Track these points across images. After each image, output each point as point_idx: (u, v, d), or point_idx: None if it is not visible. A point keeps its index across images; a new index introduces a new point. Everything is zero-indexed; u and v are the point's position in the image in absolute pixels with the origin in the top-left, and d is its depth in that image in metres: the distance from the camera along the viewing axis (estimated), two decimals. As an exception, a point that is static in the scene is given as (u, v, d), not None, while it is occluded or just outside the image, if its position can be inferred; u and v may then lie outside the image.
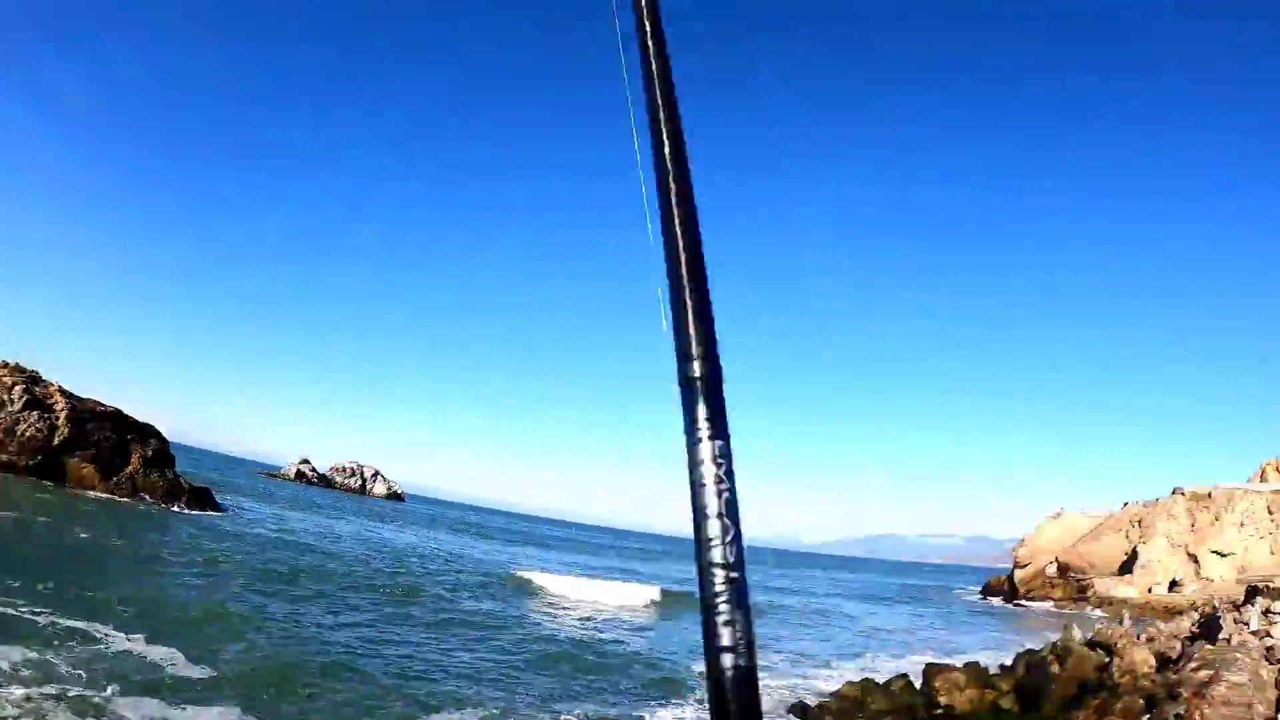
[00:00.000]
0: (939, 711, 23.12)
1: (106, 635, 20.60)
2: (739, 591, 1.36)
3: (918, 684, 24.43)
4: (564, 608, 43.57)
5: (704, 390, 1.51)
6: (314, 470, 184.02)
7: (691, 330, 1.55)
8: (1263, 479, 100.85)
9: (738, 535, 1.40)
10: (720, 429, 1.48)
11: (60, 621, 20.61)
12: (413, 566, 51.01)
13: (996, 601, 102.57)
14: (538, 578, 54.44)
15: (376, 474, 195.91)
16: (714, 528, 1.39)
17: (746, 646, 1.33)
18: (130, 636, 20.89)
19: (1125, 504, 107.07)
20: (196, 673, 19.24)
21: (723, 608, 1.34)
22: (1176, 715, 16.12)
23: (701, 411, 1.48)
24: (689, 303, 1.57)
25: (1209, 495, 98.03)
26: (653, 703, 23.97)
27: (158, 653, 20.03)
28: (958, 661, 26.76)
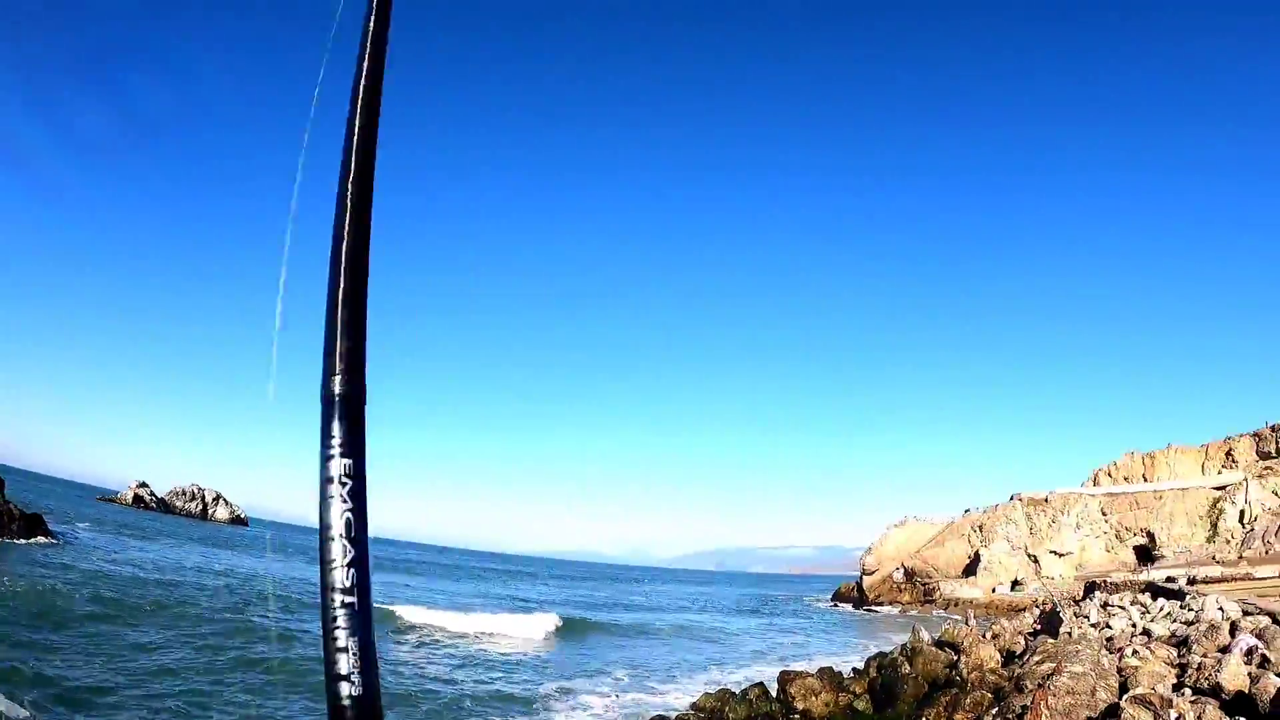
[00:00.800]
0: (796, 717, 23.74)
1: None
2: (358, 616, 1.33)
3: (774, 691, 24.98)
4: (441, 644, 40.18)
5: (343, 408, 1.48)
6: (152, 494, 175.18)
7: (339, 346, 1.52)
8: (1095, 483, 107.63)
9: (360, 558, 1.37)
10: (355, 447, 1.45)
11: None
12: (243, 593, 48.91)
13: (847, 608, 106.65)
14: (405, 610, 47.61)
15: (219, 497, 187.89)
16: (335, 549, 1.35)
17: (365, 673, 1.30)
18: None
19: (966, 511, 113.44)
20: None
21: (339, 634, 1.32)
22: (1023, 706, 16.94)
23: (337, 428, 1.46)
24: (340, 319, 1.55)
25: (1045, 500, 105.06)
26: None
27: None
28: (812, 667, 27.50)
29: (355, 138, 1.75)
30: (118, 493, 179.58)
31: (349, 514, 1.37)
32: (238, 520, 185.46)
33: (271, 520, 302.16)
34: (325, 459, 1.42)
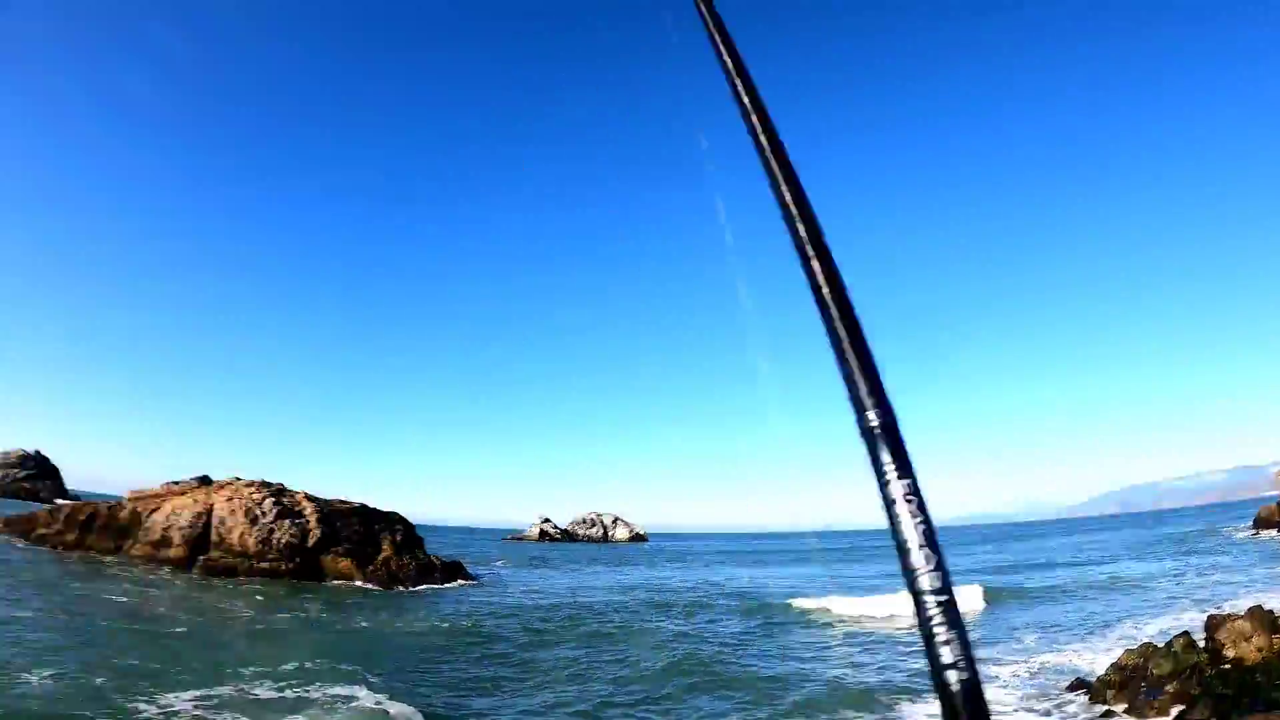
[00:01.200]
0: (1226, 666, 21.30)
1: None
2: (951, 611, 1.53)
3: (1200, 640, 22.68)
4: (846, 628, 40.01)
5: (884, 437, 1.70)
6: (555, 527, 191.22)
7: (861, 384, 1.75)
8: None
9: (940, 561, 1.58)
10: (905, 468, 1.68)
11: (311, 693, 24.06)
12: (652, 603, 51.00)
13: (1272, 534, 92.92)
14: (819, 603, 48.25)
15: (616, 520, 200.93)
16: (918, 558, 1.58)
17: (967, 661, 1.50)
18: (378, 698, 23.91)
19: None
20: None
21: (938, 629, 1.53)
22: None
23: (885, 456, 1.67)
24: (853, 359, 1.75)
25: None
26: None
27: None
28: (1240, 607, 24.69)
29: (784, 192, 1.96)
30: (524, 530, 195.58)
31: (922, 525, 1.61)
32: (637, 538, 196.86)
33: (665, 533, 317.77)
34: (883, 485, 1.67)
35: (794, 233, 2.00)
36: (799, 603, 49.19)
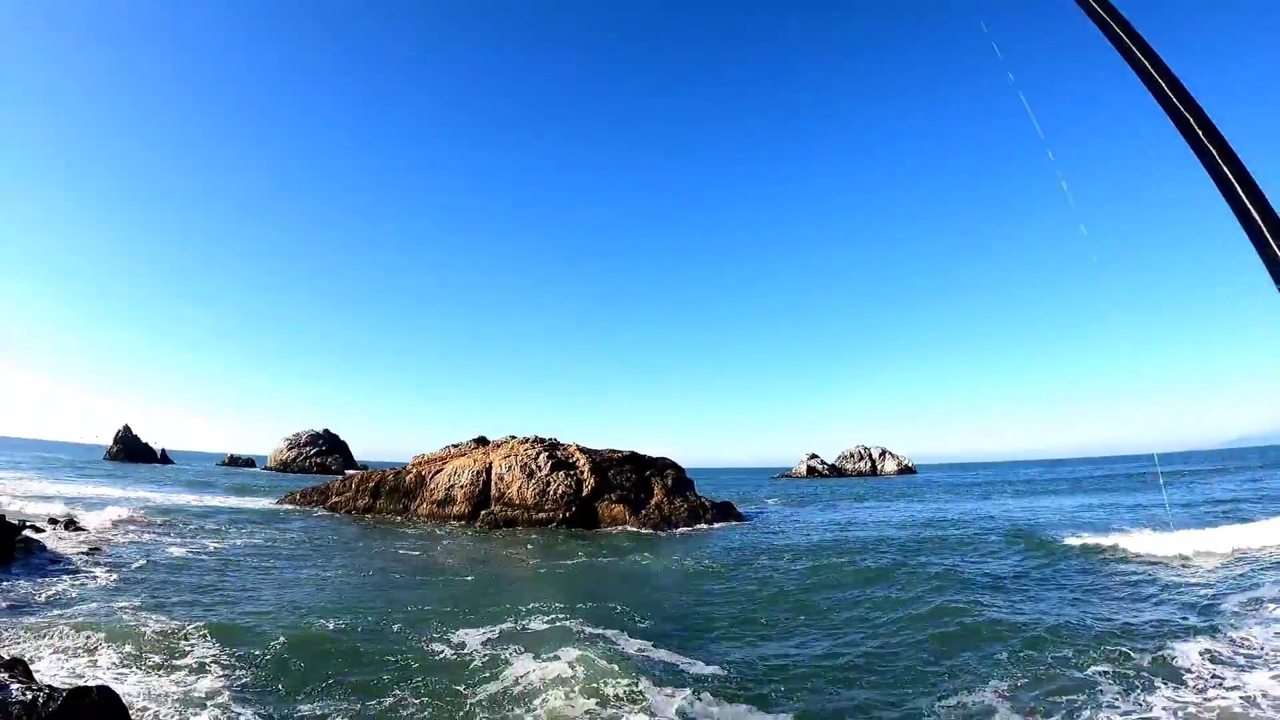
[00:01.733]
0: None
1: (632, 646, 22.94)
2: None
3: None
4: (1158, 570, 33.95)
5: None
6: (823, 463, 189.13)
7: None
8: None
9: None
10: None
11: (598, 633, 23.79)
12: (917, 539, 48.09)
13: None
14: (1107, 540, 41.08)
15: (884, 452, 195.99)
16: None
17: None
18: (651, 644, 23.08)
19: None
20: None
21: None
22: None
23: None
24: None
25: None
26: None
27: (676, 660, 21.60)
28: None
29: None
30: (791, 468, 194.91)
31: None
32: (906, 470, 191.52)
33: (937, 464, 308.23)
34: None
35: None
36: (1084, 539, 42.70)
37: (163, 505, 59.19)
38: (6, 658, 16.39)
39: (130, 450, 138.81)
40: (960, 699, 18.26)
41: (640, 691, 18.38)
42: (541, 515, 60.08)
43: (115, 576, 28.53)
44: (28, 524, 37.25)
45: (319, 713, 17.04)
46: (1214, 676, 17.86)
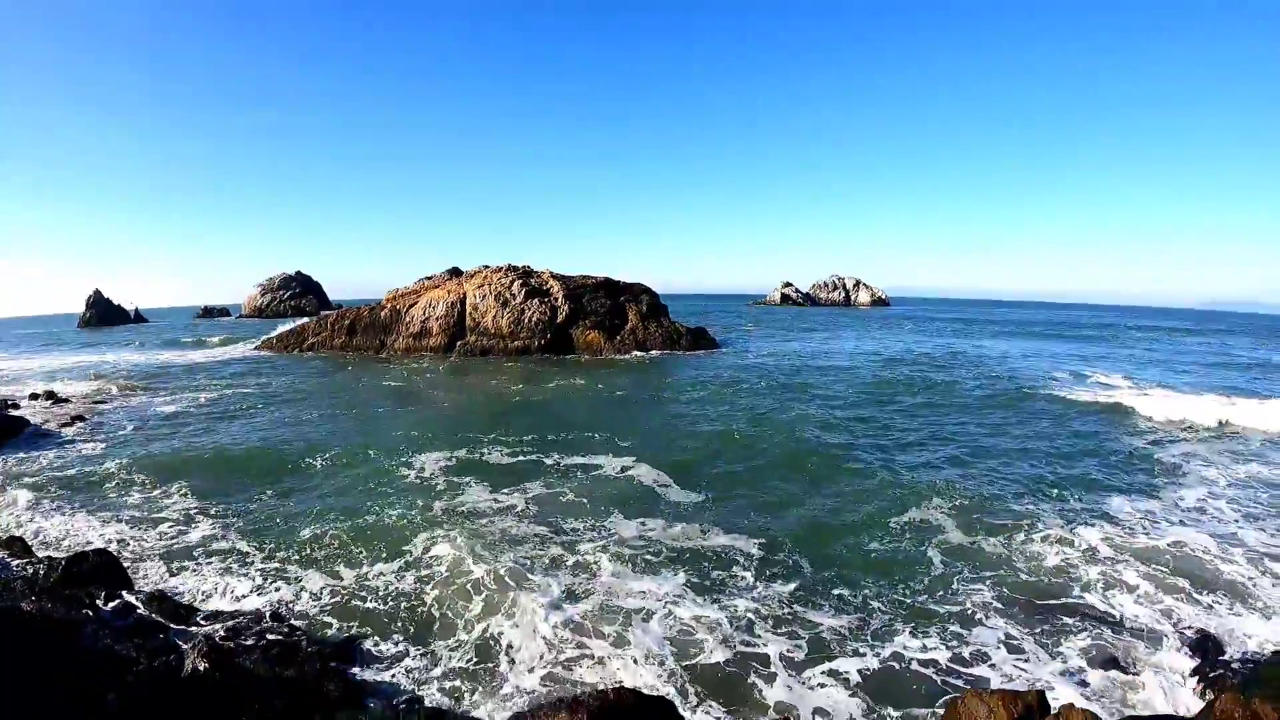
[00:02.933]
0: None
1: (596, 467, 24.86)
2: None
3: None
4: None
5: None
6: (797, 291, 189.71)
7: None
8: None
9: None
10: None
11: (565, 460, 25.65)
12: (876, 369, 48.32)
13: None
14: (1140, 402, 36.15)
15: (859, 283, 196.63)
16: None
17: None
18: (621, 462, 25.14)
19: None
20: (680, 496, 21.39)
21: None
22: None
23: None
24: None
25: None
26: None
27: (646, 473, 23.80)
28: None
29: None
30: (765, 296, 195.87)
31: None
32: (879, 302, 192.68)
33: (911, 297, 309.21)
34: None
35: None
36: (1084, 394, 39.06)
37: (140, 365, 58.61)
38: (4, 535, 16.84)
39: (104, 315, 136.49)
40: (910, 516, 19.50)
41: (603, 511, 20.01)
42: (517, 343, 60.77)
43: (101, 441, 28.86)
44: (9, 402, 37.29)
45: (304, 538, 18.05)
46: (1149, 523, 18.92)
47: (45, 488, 22.66)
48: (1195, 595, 14.57)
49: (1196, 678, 11.43)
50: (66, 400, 38.97)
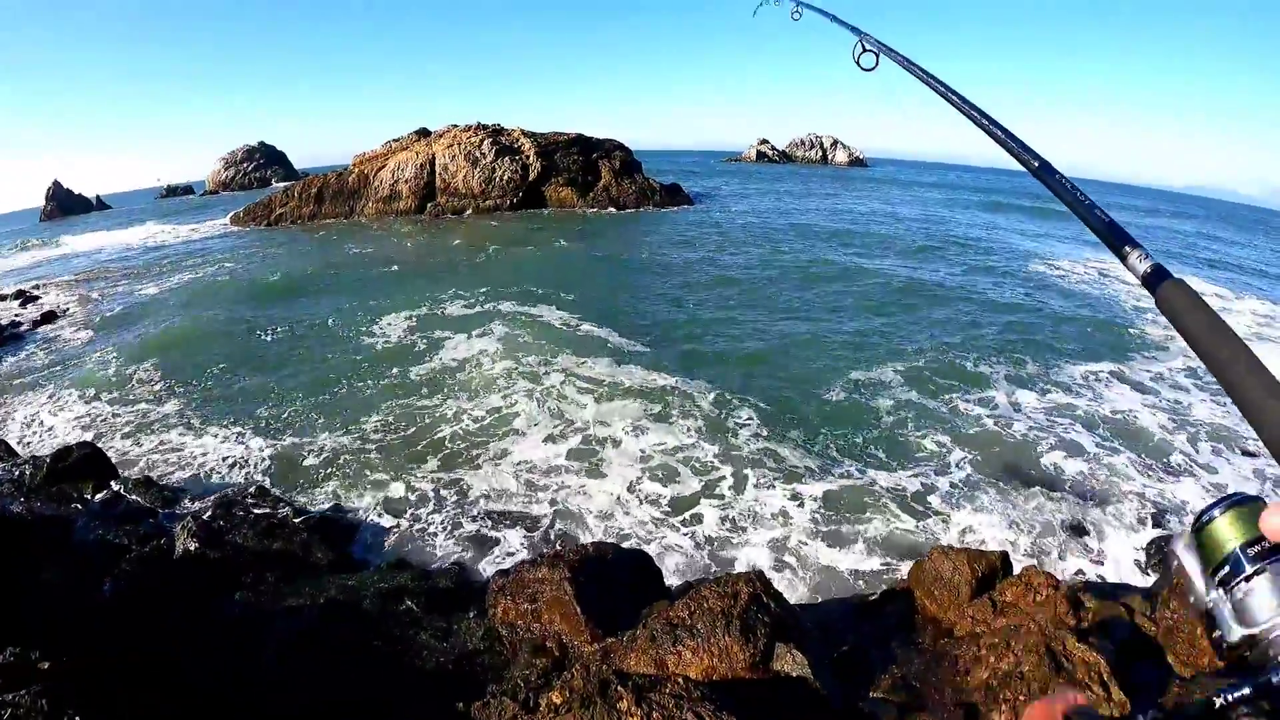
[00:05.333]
0: None
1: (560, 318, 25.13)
2: None
3: None
4: None
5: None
6: (773, 149, 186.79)
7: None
8: None
9: None
10: None
11: (528, 312, 26.07)
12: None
13: None
14: None
15: (835, 142, 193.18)
16: None
17: None
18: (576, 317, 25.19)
19: None
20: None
21: None
22: None
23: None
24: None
25: None
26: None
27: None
28: None
29: None
30: (741, 153, 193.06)
31: None
32: (857, 162, 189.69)
33: (889, 159, 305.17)
34: None
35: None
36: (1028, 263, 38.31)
37: (106, 253, 56.89)
38: None
39: (65, 205, 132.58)
40: (864, 374, 19.35)
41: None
42: (489, 203, 59.53)
43: (74, 335, 27.98)
44: None
45: (281, 411, 18.11)
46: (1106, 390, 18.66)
47: (23, 388, 22.08)
48: (1153, 466, 14.49)
49: (1150, 550, 11.50)
50: (35, 298, 37.67)
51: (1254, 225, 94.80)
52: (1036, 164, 2.29)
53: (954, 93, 2.87)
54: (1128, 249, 1.73)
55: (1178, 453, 15.06)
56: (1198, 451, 15.18)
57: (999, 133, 2.51)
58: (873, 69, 3.81)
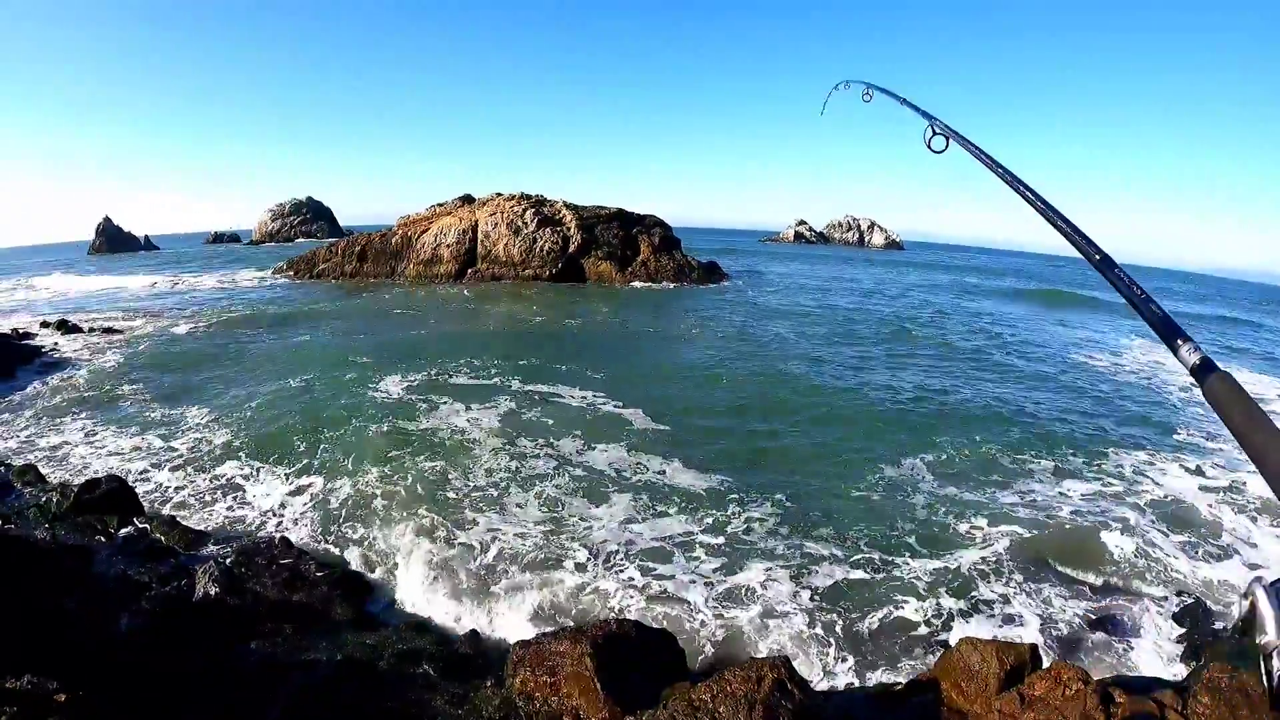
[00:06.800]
0: None
1: (584, 398, 24.65)
2: None
3: None
4: None
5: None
6: (811, 230, 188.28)
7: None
8: None
9: None
10: None
11: (540, 384, 26.07)
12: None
13: None
14: None
15: (873, 225, 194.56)
16: None
17: None
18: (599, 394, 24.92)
19: None
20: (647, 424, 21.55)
21: None
22: None
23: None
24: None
25: None
26: None
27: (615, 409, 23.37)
28: None
29: None
30: (779, 233, 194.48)
31: None
32: (893, 244, 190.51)
33: (921, 242, 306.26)
34: None
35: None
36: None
37: (151, 292, 58.40)
38: (18, 465, 16.79)
39: (113, 242, 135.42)
40: (895, 461, 18.87)
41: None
42: (528, 272, 60.18)
43: (113, 368, 28.51)
44: (20, 331, 36.81)
45: (297, 457, 18.45)
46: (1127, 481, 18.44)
47: (57, 415, 22.43)
48: (1191, 555, 14.14)
49: (1185, 644, 11.19)
50: (78, 329, 38.35)
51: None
52: (1098, 256, 2.37)
53: (1020, 182, 2.96)
54: (1179, 341, 1.84)
55: (1215, 543, 14.65)
56: (1239, 540, 14.82)
57: (1062, 224, 2.59)
58: (943, 151, 3.96)
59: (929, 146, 4.03)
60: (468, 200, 70.22)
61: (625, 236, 64.27)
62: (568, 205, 65.70)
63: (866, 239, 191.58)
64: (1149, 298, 2.06)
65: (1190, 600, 12.47)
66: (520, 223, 62.42)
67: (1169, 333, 1.89)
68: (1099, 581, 12.96)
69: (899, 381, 27.91)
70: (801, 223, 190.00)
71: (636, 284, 59.79)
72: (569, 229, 62.69)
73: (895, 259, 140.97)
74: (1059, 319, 52.08)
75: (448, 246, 63.24)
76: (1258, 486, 17.89)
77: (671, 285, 60.45)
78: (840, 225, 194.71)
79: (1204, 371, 1.70)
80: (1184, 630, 11.52)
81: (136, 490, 15.02)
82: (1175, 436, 22.45)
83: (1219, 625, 11.78)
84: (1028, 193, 2.86)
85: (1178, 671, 10.45)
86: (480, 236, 62.97)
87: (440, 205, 70.83)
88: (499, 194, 68.38)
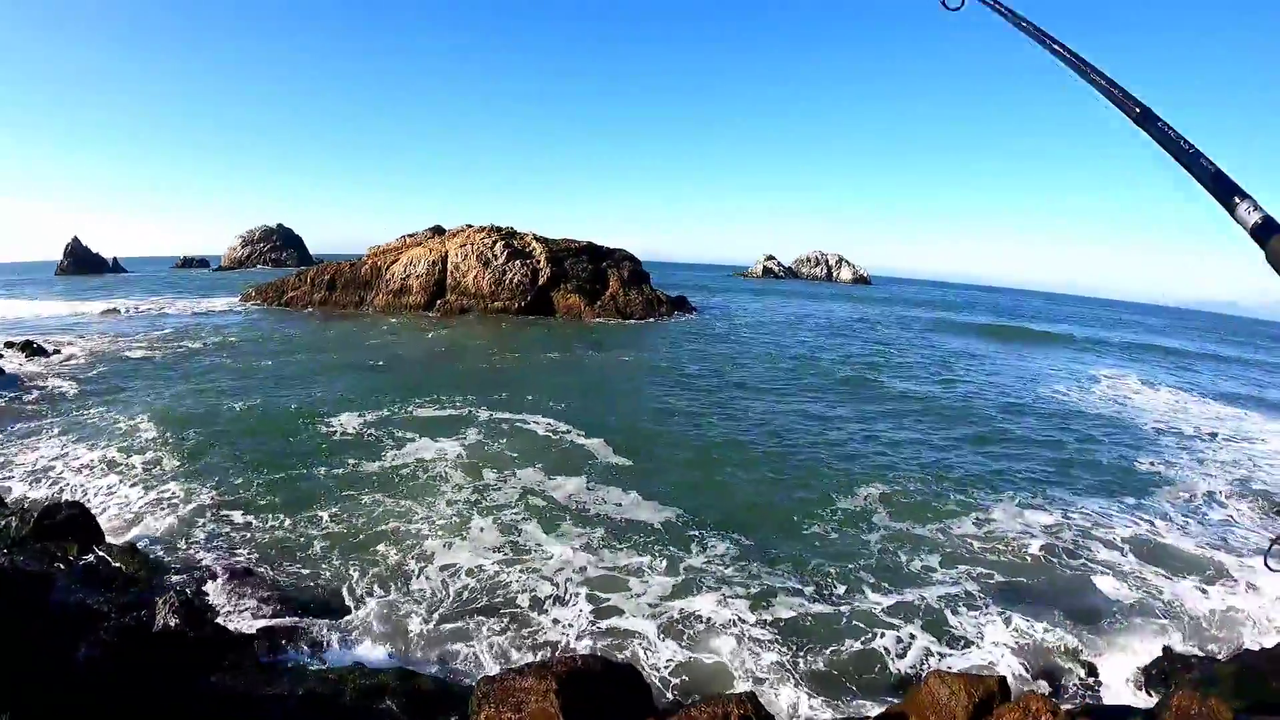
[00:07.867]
0: None
1: (545, 427, 25.08)
2: None
3: None
4: None
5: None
6: (779, 265, 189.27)
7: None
8: None
9: None
10: None
11: (502, 416, 26.14)
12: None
13: None
14: None
15: (841, 260, 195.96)
16: None
17: None
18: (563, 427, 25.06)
19: None
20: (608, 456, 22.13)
21: None
22: None
23: None
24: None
25: None
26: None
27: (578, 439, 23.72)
28: None
29: None
30: (748, 268, 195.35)
31: None
32: (860, 280, 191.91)
33: (891, 278, 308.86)
34: None
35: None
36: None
37: (117, 317, 57.99)
38: None
39: (81, 262, 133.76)
40: (857, 496, 19.19)
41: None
42: (498, 304, 60.42)
43: (75, 392, 28.37)
44: None
45: (255, 489, 18.32)
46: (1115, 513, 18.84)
47: (17, 438, 22.22)
48: (1159, 588, 14.54)
49: (1154, 671, 11.46)
50: (42, 351, 38.03)
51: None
52: (1139, 110, 2.36)
53: (1050, 37, 2.91)
54: (1236, 199, 1.78)
55: (1182, 573, 15.16)
56: (1206, 570, 15.33)
57: (1098, 78, 2.58)
58: (959, 8, 3.83)
59: (943, 4, 3.90)
60: (438, 231, 70.40)
61: (595, 270, 64.78)
62: (538, 238, 66.10)
63: (835, 274, 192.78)
64: (1198, 153, 2.01)
65: (1158, 628, 12.90)
66: (490, 254, 62.69)
67: (1223, 190, 1.83)
68: (1067, 612, 13.25)
69: (861, 416, 28.38)
70: (770, 258, 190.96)
71: (605, 319, 60.25)
72: (539, 262, 63.06)
73: (862, 294, 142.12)
74: (1020, 353, 53.11)
75: (417, 277, 63.34)
76: (1218, 515, 18.91)
77: (639, 320, 60.88)
78: (809, 260, 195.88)
79: (1266, 231, 1.66)
80: (1153, 658, 11.82)
81: (96, 517, 14.87)
82: (1139, 467, 23.35)
83: (1187, 652, 12.18)
84: (1059, 48, 2.80)
85: (1147, 700, 10.80)
86: (450, 268, 63.14)
87: (410, 236, 70.97)
88: (469, 225, 68.66)
